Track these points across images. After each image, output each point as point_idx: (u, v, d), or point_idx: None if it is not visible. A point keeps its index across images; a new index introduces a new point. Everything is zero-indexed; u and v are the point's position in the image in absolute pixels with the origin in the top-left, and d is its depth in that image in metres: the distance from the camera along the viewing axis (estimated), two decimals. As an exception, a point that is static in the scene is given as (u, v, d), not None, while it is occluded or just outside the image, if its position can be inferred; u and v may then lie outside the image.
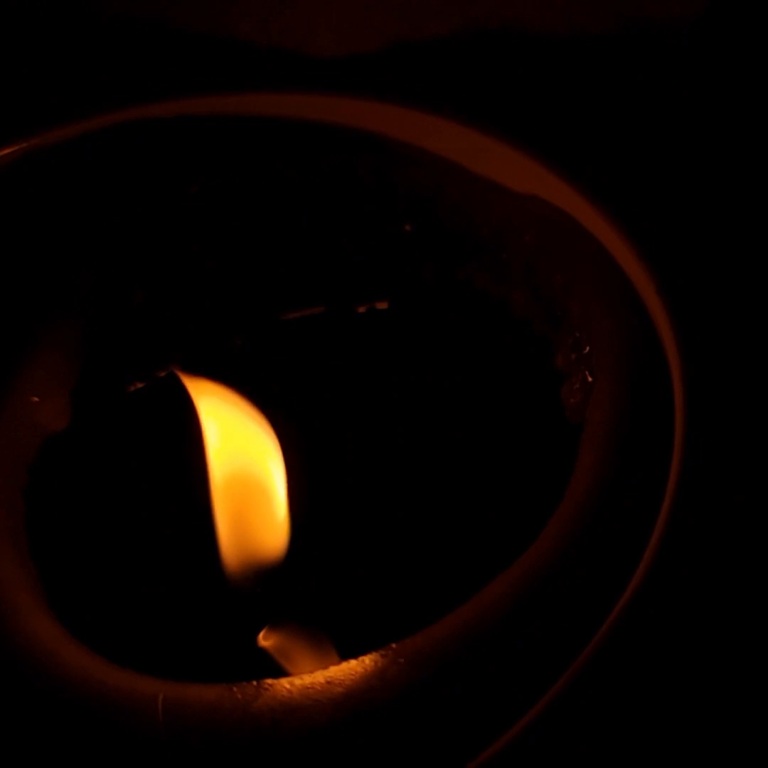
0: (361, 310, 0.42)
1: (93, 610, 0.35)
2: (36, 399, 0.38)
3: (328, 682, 0.27)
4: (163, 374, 0.42)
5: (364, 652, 0.27)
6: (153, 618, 0.36)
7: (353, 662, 0.27)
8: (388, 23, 0.41)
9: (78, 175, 0.41)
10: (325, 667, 0.27)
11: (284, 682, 0.27)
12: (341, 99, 0.40)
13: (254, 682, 0.28)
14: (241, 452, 0.34)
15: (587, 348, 0.34)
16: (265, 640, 0.32)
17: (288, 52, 0.42)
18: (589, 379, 0.33)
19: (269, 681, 0.28)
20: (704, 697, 0.28)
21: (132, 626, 0.36)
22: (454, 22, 0.41)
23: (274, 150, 0.40)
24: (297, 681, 0.27)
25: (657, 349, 0.32)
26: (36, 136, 0.40)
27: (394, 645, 0.27)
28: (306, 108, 0.40)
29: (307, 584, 0.33)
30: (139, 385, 0.41)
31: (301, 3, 0.42)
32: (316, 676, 0.27)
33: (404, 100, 0.39)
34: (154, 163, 0.41)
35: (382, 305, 0.42)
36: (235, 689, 0.28)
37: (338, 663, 0.27)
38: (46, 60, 0.44)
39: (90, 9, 0.43)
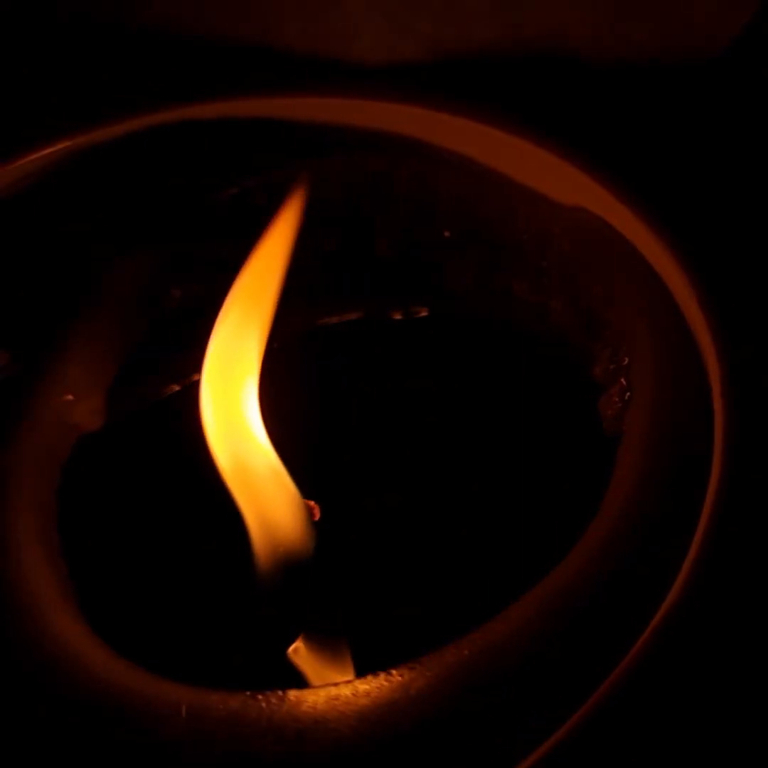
0: (399, 316, 0.42)
1: (122, 611, 0.35)
2: (71, 398, 0.38)
3: (354, 694, 0.27)
4: (198, 377, 0.41)
5: (388, 665, 0.27)
6: (181, 620, 0.36)
7: (381, 675, 0.27)
8: (431, 30, 0.41)
9: (119, 175, 0.41)
10: (343, 678, 0.27)
11: (309, 693, 0.27)
12: (382, 104, 0.39)
13: (279, 692, 0.27)
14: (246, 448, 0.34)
15: (626, 360, 0.33)
16: (295, 653, 0.32)
17: (329, 59, 0.42)
18: (627, 391, 0.33)
19: (294, 691, 0.27)
20: (737, 718, 0.27)
21: (160, 627, 0.35)
22: (496, 29, 0.40)
23: (314, 154, 0.40)
24: (322, 692, 0.27)
25: (697, 363, 0.32)
26: (78, 135, 0.40)
27: (421, 658, 0.27)
28: (347, 113, 0.40)
29: (332, 596, 0.33)
30: (176, 388, 0.41)
31: (343, 9, 0.41)
32: (342, 687, 0.27)
33: (445, 106, 0.39)
34: (194, 164, 0.41)
35: (421, 312, 0.42)
36: (259, 698, 0.27)
37: (353, 675, 0.27)
38: (94, 62, 0.44)
39: (133, 12, 0.43)
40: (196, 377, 0.41)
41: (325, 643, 0.32)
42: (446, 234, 0.40)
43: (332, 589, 0.33)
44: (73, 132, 0.40)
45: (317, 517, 0.34)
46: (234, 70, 0.43)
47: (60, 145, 0.40)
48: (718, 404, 0.30)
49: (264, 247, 0.37)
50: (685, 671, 0.26)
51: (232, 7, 0.42)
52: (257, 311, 0.37)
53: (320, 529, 0.34)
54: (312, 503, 0.34)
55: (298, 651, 0.31)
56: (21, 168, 0.40)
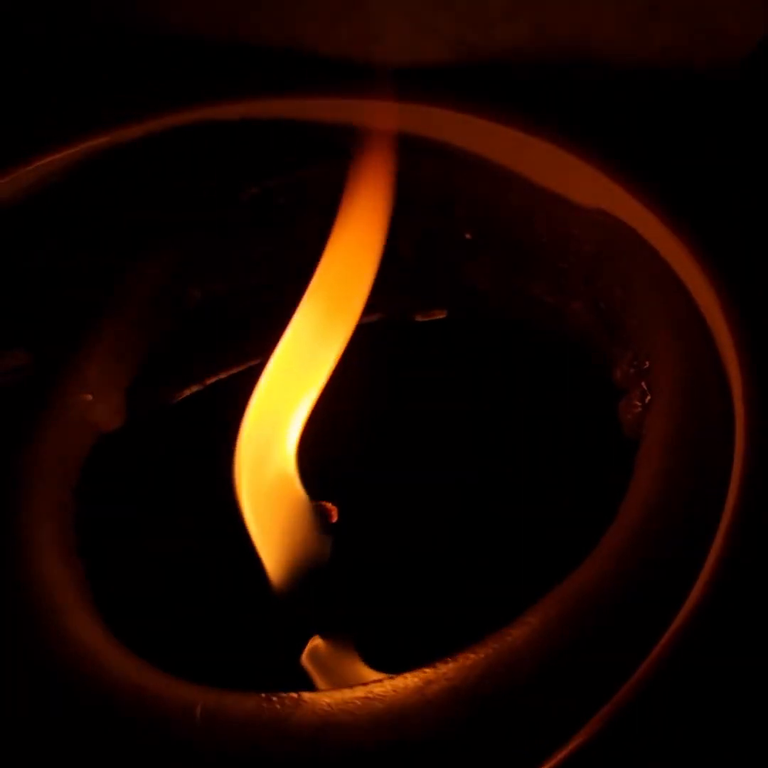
0: (419, 318, 0.41)
1: (138, 611, 0.35)
2: (90, 398, 0.38)
3: (368, 698, 0.26)
4: (217, 379, 0.41)
5: (403, 669, 0.27)
6: (197, 620, 0.36)
7: (396, 678, 0.27)
8: (453, 31, 0.41)
9: (140, 175, 0.41)
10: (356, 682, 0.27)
11: (324, 696, 0.27)
12: (404, 105, 0.39)
13: (294, 694, 0.27)
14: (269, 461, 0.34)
15: (647, 363, 0.33)
16: (307, 658, 0.32)
17: (354, 60, 0.42)
18: (648, 395, 0.32)
19: (309, 693, 0.27)
20: (758, 721, 0.27)
21: (175, 627, 0.35)
22: (519, 31, 0.40)
23: (335, 155, 0.40)
24: (337, 695, 0.27)
25: (719, 367, 0.32)
26: (100, 135, 0.40)
27: (437, 663, 0.27)
28: (369, 113, 0.40)
29: (347, 598, 0.33)
30: (194, 389, 0.41)
31: (367, 10, 0.41)
32: (356, 690, 0.27)
33: (468, 108, 0.38)
34: (216, 164, 0.41)
35: (440, 314, 0.42)
36: (274, 700, 0.27)
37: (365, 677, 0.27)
38: (117, 62, 0.44)
39: (157, 13, 0.43)
40: (215, 378, 0.41)
41: (336, 645, 0.31)
42: (467, 236, 0.40)
43: (348, 591, 0.33)
44: (95, 132, 0.40)
45: (335, 518, 0.34)
46: (256, 70, 0.43)
47: (83, 145, 0.40)
48: (739, 409, 0.30)
49: (351, 232, 0.33)
50: (704, 679, 0.26)
51: (255, 8, 0.42)
52: (342, 312, 0.33)
53: (337, 531, 0.34)
54: (329, 505, 0.34)
55: (311, 654, 0.31)
56: (44, 167, 0.40)
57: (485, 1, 0.41)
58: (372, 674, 0.30)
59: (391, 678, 0.27)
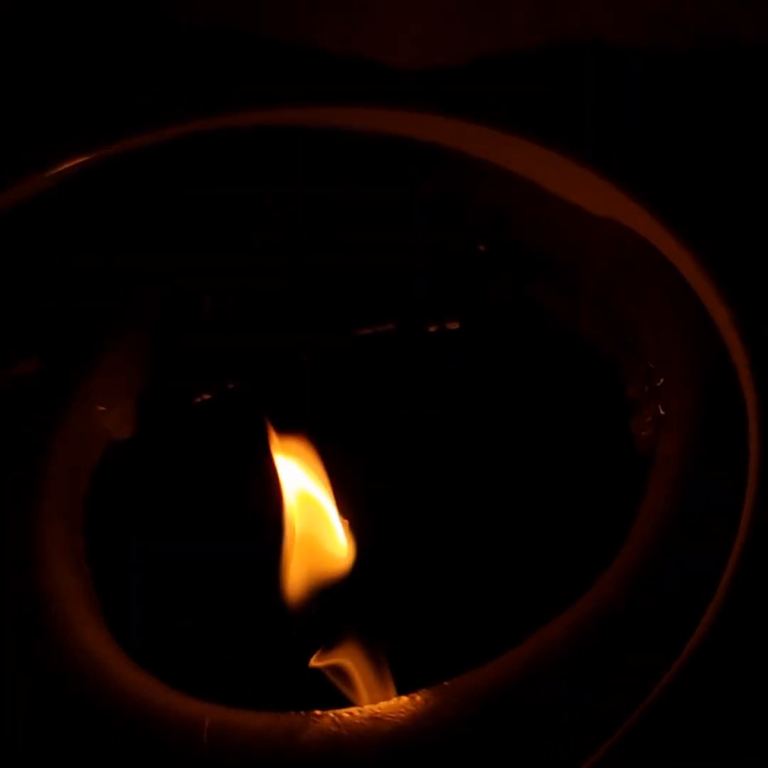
0: (432, 329, 0.41)
1: (147, 620, 0.35)
2: (102, 408, 0.38)
3: (378, 718, 0.26)
4: (230, 387, 0.41)
5: (415, 688, 0.27)
6: (207, 631, 0.35)
7: (404, 698, 0.27)
8: (471, 36, 0.41)
9: (154, 184, 0.41)
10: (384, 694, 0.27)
11: (332, 715, 0.27)
12: (418, 114, 0.39)
13: (302, 713, 0.27)
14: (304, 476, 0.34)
15: (661, 380, 0.33)
16: (318, 660, 0.31)
17: (369, 64, 0.42)
18: (661, 413, 0.32)
19: (318, 712, 0.27)
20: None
21: (185, 639, 0.35)
22: (536, 36, 0.40)
23: (350, 163, 0.40)
24: (345, 714, 0.27)
25: (733, 385, 0.31)
26: (116, 144, 0.40)
27: (447, 683, 0.27)
28: (383, 122, 0.40)
29: (365, 614, 0.33)
30: (206, 397, 0.41)
31: (383, 15, 0.41)
32: (365, 710, 0.27)
33: (483, 116, 0.38)
34: (228, 172, 0.41)
35: (453, 325, 0.41)
36: (282, 718, 0.27)
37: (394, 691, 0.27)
38: (130, 70, 0.44)
39: (172, 19, 0.43)
40: (227, 386, 0.41)
41: (367, 657, 0.31)
42: (481, 248, 0.40)
43: (365, 609, 0.32)
44: (112, 139, 0.40)
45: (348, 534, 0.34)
46: (274, 75, 0.43)
47: (98, 153, 0.40)
48: (754, 429, 0.30)
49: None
50: (716, 703, 0.26)
51: (267, 14, 0.42)
52: None
53: (355, 548, 0.33)
54: (344, 520, 0.34)
55: (325, 661, 0.31)
56: (57, 176, 0.40)
57: (500, 8, 0.41)
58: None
59: (400, 698, 0.27)
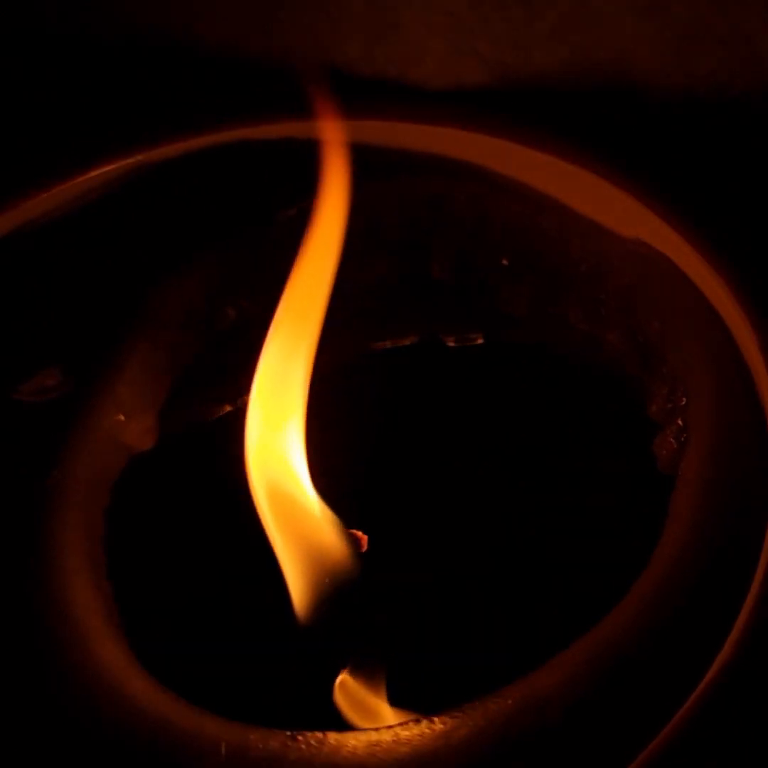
0: (452, 343, 0.41)
1: (166, 636, 0.35)
2: (122, 418, 0.38)
3: (394, 741, 0.26)
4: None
5: (428, 711, 0.26)
6: (226, 645, 0.35)
7: (423, 722, 0.26)
8: (494, 54, 0.41)
9: (176, 194, 0.41)
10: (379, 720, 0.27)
11: (350, 737, 0.27)
12: (443, 129, 0.39)
13: (319, 734, 0.27)
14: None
15: (684, 400, 0.33)
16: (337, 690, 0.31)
17: (391, 81, 0.42)
18: (684, 433, 0.32)
19: (334, 733, 0.27)
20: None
21: (203, 651, 0.35)
22: (558, 55, 0.40)
23: (372, 178, 0.40)
24: (363, 736, 0.27)
25: (756, 406, 0.31)
26: (136, 154, 0.40)
27: (464, 707, 0.26)
28: (406, 137, 0.40)
29: (375, 636, 0.32)
30: (228, 409, 0.41)
31: (407, 31, 0.41)
32: (382, 733, 0.27)
33: (507, 133, 0.38)
34: (251, 185, 0.41)
35: (477, 339, 0.41)
36: (299, 739, 0.27)
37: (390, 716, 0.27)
38: (154, 82, 0.44)
39: (194, 33, 0.43)
40: (248, 398, 0.41)
41: (365, 679, 0.31)
42: (504, 262, 0.39)
43: (373, 630, 0.32)
44: (133, 150, 0.40)
45: (364, 548, 0.34)
46: (297, 90, 0.43)
47: (119, 163, 0.40)
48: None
49: (306, 265, 0.36)
50: (738, 730, 0.25)
51: (292, 30, 0.42)
52: (304, 333, 0.36)
53: (366, 560, 0.33)
54: (359, 533, 0.34)
55: (341, 688, 0.31)
56: (79, 186, 0.40)
57: (524, 24, 0.41)
58: (396, 714, 0.30)
59: (418, 721, 0.27)
